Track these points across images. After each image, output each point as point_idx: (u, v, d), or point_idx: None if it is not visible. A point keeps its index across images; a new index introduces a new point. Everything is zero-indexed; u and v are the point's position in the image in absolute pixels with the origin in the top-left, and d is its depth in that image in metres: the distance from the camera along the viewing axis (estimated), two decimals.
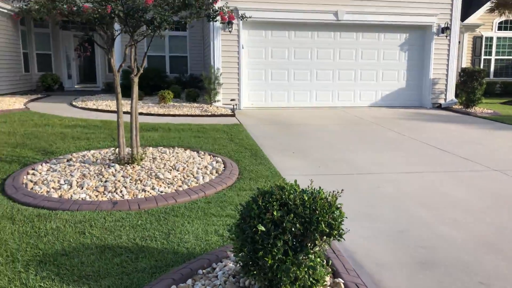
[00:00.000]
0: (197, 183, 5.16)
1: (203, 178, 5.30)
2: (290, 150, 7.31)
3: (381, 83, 13.55)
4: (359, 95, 13.53)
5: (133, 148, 5.64)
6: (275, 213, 2.57)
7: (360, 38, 13.23)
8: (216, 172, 5.62)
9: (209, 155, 6.48)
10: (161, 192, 4.83)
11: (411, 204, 4.78)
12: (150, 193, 4.78)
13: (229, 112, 11.51)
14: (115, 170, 5.38)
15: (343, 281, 3.02)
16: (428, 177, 5.87)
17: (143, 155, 5.96)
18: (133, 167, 5.55)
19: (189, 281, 3.01)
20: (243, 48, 12.45)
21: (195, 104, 12.69)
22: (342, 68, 13.35)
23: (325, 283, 3.01)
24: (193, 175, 5.39)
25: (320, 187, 2.84)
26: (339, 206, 2.72)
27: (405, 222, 4.30)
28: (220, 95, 12.36)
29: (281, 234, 2.54)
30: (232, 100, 12.38)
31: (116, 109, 5.73)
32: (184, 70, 18.01)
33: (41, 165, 5.75)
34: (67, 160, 5.94)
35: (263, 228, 2.55)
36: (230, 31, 12.13)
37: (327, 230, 2.55)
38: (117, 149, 5.73)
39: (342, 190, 2.99)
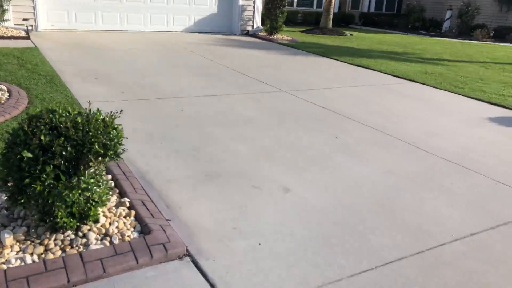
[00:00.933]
0: None
1: None
2: (94, 76, 6.87)
3: (194, 7, 13.49)
4: (172, 20, 13.27)
5: None
6: (42, 137, 2.44)
7: None
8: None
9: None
10: None
11: (208, 125, 5.13)
12: None
13: (23, 34, 10.00)
14: None
15: (128, 200, 3.14)
16: (228, 99, 6.32)
17: None
18: None
19: None
20: None
21: None
22: None
23: (110, 203, 3.09)
24: None
25: (98, 109, 2.78)
26: (116, 126, 2.73)
27: (200, 141, 4.62)
28: (9, 13, 10.53)
29: (50, 159, 2.44)
30: (25, 19, 10.70)
31: None
32: None
33: None
34: None
35: (29, 154, 2.41)
36: None
37: (102, 151, 2.56)
38: None
39: (121, 110, 3.00)
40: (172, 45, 10.90)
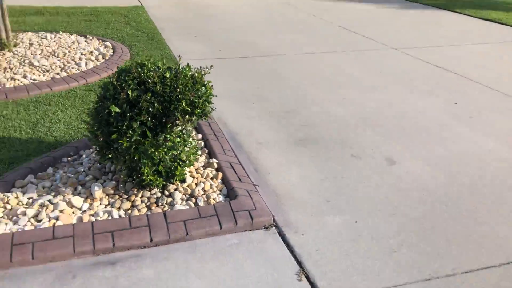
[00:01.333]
0: (78, 69, 4.67)
1: (86, 64, 4.80)
2: (193, 34, 6.84)
3: None
4: None
5: (0, 31, 4.86)
6: (130, 92, 2.32)
7: None
8: (103, 58, 5.11)
9: (98, 39, 5.85)
10: (34, 80, 4.31)
11: (307, 85, 4.77)
12: (22, 82, 4.25)
13: None
14: None
15: (217, 161, 2.98)
16: (329, 57, 5.85)
17: (16, 41, 5.20)
18: (3, 54, 4.84)
19: (50, 170, 2.79)
20: None
21: None
22: None
23: (198, 163, 2.95)
24: (75, 62, 4.86)
25: (188, 64, 2.60)
26: (205, 83, 2.53)
27: (296, 102, 4.29)
28: None
29: (137, 115, 2.33)
30: None
31: None
32: None
33: None
34: None
35: (117, 109, 2.31)
36: None
37: (189, 109, 2.38)
38: None
39: (212, 66, 2.77)
40: (274, 1, 10.50)
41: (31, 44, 5.31)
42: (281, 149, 3.37)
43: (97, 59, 5.03)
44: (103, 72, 4.65)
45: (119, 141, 2.31)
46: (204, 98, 2.46)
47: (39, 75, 4.41)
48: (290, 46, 6.40)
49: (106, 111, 2.34)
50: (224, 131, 3.57)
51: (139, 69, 2.45)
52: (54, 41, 5.54)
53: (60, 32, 6.07)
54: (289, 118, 3.93)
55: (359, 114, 4.07)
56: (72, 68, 4.66)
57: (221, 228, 2.42)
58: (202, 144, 3.24)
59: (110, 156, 2.40)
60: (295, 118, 3.93)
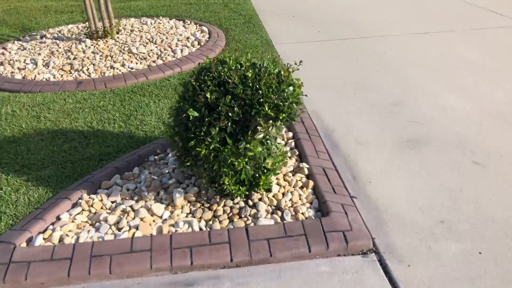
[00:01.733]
0: (174, 57, 4.61)
1: (182, 51, 4.72)
2: (291, 14, 6.44)
3: None
4: None
5: (103, 19, 5.00)
6: (208, 95, 2.07)
7: None
8: (199, 43, 5.00)
9: (196, 24, 5.77)
10: (132, 68, 4.34)
11: (416, 71, 4.13)
12: (120, 70, 4.31)
13: None
14: (86, 46, 4.85)
15: (307, 166, 2.63)
16: (444, 37, 5.05)
17: (118, 27, 5.34)
18: (106, 41, 4.99)
19: (136, 169, 2.70)
20: None
21: None
22: None
23: (287, 168, 2.64)
24: (171, 49, 4.81)
25: (274, 60, 2.27)
26: (293, 82, 2.18)
27: (404, 92, 3.72)
28: None
29: (216, 120, 2.07)
30: None
31: None
32: None
33: (13, 43, 5.28)
34: (41, 37, 5.42)
35: (195, 114, 2.08)
36: None
37: (273, 114, 2.06)
38: (87, 22, 5.09)
39: (301, 61, 2.43)
40: None
41: (132, 31, 5.41)
42: (385, 151, 2.90)
43: (193, 45, 4.94)
44: (198, 59, 4.53)
45: (197, 148, 2.09)
46: (290, 99, 2.12)
47: (136, 63, 4.44)
48: (398, 24, 5.67)
49: (184, 115, 2.12)
50: (318, 128, 3.20)
51: (220, 68, 2.18)
52: (154, 27, 5.59)
53: (160, 17, 6.12)
54: (395, 112, 3.41)
55: (483, 109, 3.38)
56: (168, 55, 4.62)
57: (310, 251, 2.10)
58: (293, 143, 2.91)
59: (188, 164, 2.20)
60: (402, 113, 3.39)
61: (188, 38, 5.15)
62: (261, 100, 2.02)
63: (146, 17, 6.21)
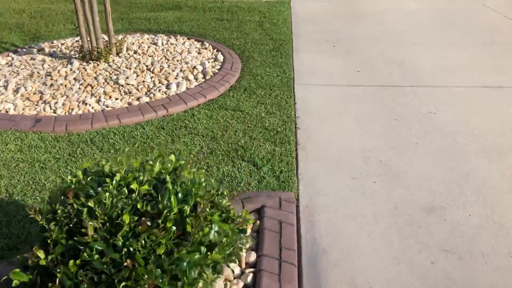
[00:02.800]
0: (165, 93, 3.77)
1: (178, 86, 3.86)
2: (332, 42, 5.37)
3: None
4: None
5: (98, 39, 4.27)
6: (40, 254, 1.16)
7: None
8: (204, 76, 4.12)
9: (214, 48, 4.90)
10: (107, 106, 3.55)
11: (481, 162, 2.94)
12: (92, 107, 3.54)
13: None
14: (70, 70, 4.15)
15: None
16: None
17: (121, 47, 4.60)
18: (97, 65, 4.25)
19: None
20: None
21: None
22: None
23: None
24: (167, 81, 3.98)
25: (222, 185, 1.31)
26: (230, 217, 1.21)
27: (455, 202, 2.57)
28: None
29: None
30: None
31: None
32: None
33: (7, 56, 4.73)
34: (38, 50, 4.83)
35: (23, 278, 1.18)
36: None
37: None
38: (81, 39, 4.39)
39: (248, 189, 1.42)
40: (464, 3, 8.12)
41: (135, 52, 4.65)
42: None
43: (196, 78, 4.07)
44: (192, 100, 3.65)
45: None
46: (210, 261, 1.15)
47: (116, 99, 3.65)
48: (462, 70, 4.42)
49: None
50: (303, 243, 2.17)
51: (91, 191, 1.26)
52: (163, 49, 4.79)
53: (178, 36, 5.32)
54: (433, 232, 2.29)
55: None
56: (159, 90, 3.79)
57: None
58: (249, 279, 1.91)
59: None
60: (435, 234, 2.26)
61: (194, 67, 4.29)
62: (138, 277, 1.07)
63: (162, 34, 5.44)
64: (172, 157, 1.60)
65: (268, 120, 3.41)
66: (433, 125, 3.32)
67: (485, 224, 2.30)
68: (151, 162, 1.54)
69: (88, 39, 4.23)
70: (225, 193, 1.58)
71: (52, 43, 5.13)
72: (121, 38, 4.90)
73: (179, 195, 1.39)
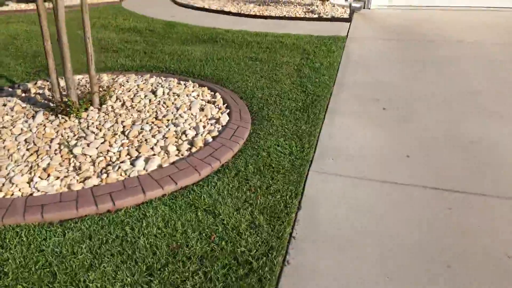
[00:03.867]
0: (125, 173, 2.75)
1: (147, 162, 2.84)
2: (384, 101, 4.06)
3: None
4: None
5: (68, 89, 3.39)
6: None
7: None
8: (190, 148, 3.06)
9: (225, 103, 3.84)
10: (38, 190, 2.59)
11: None
12: (20, 190, 2.60)
13: (346, 14, 8.04)
14: (28, 127, 3.30)
15: None
16: None
17: (106, 96, 3.70)
18: (65, 121, 3.37)
19: None
20: None
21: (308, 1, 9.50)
22: None
23: None
24: (138, 152, 2.97)
25: None
26: None
27: None
28: None
29: None
30: None
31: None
32: None
33: None
34: (23, 91, 4.10)
35: None
36: None
37: None
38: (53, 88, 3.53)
39: None
40: None
41: (123, 104, 3.73)
42: None
43: (179, 150, 3.01)
44: (155, 187, 2.60)
45: None
46: None
47: (56, 178, 2.70)
48: None
49: None
50: None
51: None
52: (161, 100, 3.83)
53: (190, 82, 4.35)
54: None
55: None
56: (118, 167, 2.78)
57: None
58: None
59: None
60: None
61: (184, 133, 3.26)
62: None
63: (174, 78, 4.50)
64: None
65: (246, 240, 2.24)
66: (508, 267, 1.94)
67: None
68: None
69: (57, 88, 3.38)
70: None
71: (43, 82, 4.39)
72: (111, 85, 4.02)
73: None
